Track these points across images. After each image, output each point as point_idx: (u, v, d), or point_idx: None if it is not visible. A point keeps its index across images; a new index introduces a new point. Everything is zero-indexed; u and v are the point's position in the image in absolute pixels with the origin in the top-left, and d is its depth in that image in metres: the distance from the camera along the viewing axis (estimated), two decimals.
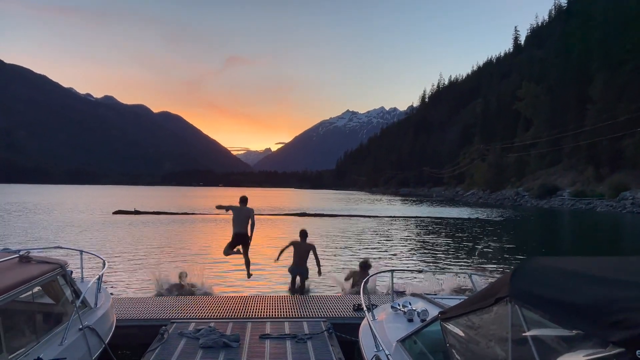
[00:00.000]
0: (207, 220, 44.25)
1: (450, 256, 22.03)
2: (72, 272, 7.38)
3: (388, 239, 30.30)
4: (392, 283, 7.05)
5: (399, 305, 5.68)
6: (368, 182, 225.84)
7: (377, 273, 7.37)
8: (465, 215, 56.12)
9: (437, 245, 26.91)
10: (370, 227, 38.13)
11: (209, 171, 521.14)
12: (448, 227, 40.58)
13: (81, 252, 7.63)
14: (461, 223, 45.27)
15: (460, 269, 17.48)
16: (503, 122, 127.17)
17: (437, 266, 18.67)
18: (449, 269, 18.12)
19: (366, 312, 5.31)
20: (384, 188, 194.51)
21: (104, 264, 7.12)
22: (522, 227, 47.31)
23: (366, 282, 6.37)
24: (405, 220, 47.56)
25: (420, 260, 20.57)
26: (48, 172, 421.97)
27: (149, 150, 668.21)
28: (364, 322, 5.98)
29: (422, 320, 5.08)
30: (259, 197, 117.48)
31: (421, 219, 49.44)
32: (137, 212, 50.58)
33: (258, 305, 9.20)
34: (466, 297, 6.50)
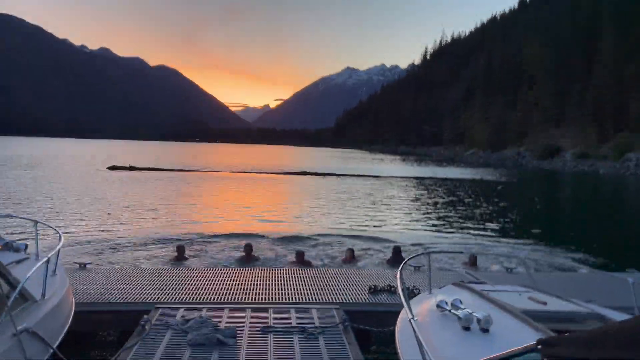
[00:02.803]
0: (205, 178, 42.98)
1: (463, 221, 20.86)
2: (26, 246, 6.11)
3: (393, 201, 29.13)
4: (430, 268, 5.79)
5: (446, 304, 4.42)
6: (367, 140, 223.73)
7: (412, 257, 6.03)
8: (469, 176, 54.94)
9: (445, 208, 25.75)
10: (373, 188, 36.94)
11: (207, 127, 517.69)
12: (453, 188, 39.41)
13: (36, 222, 6.33)
14: (465, 184, 44.11)
15: (488, 240, 16.11)
16: (506, 81, 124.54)
17: (459, 235, 17.41)
18: (472, 238, 16.93)
19: (409, 314, 4.00)
20: (383, 147, 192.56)
21: (60, 239, 5.81)
22: (526, 189, 46.20)
23: (402, 275, 5.11)
24: (409, 180, 46.38)
25: (432, 225, 19.39)
26: (44, 126, 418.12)
27: (147, 104, 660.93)
28: (402, 325, 4.74)
29: (483, 330, 3.84)
30: (258, 155, 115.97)
31: (424, 179, 48.26)
32: (132, 168, 49.26)
33: (259, 283, 7.99)
34: (528, 291, 5.30)
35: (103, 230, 15.40)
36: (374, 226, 18.80)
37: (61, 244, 5.60)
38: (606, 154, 76.38)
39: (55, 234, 6.21)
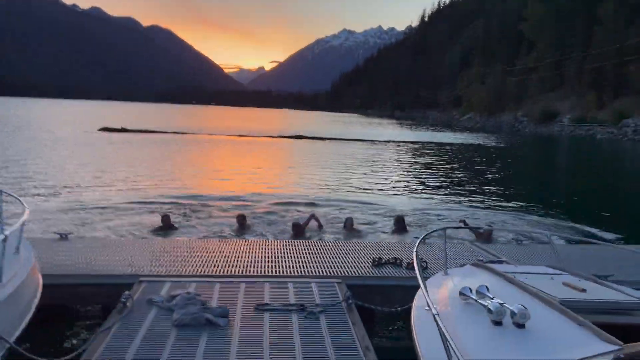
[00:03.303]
0: (199, 141, 42.10)
1: (463, 187, 20.25)
2: None
3: (391, 166, 28.50)
4: (446, 246, 5.17)
5: (470, 291, 3.80)
6: (363, 104, 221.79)
7: (430, 232, 5.37)
8: (467, 140, 54.24)
9: (445, 173, 25.14)
10: (371, 152, 36.25)
11: (202, 89, 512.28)
12: (452, 153, 38.77)
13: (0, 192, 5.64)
14: (464, 149, 43.46)
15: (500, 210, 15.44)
16: (505, 45, 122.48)
17: (460, 201, 16.77)
18: (473, 204, 16.34)
19: (432, 308, 3.32)
20: (379, 111, 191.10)
21: (24, 212, 5.11)
22: (525, 154, 45.63)
23: (418, 256, 4.48)
24: (407, 145, 45.69)
25: (432, 191, 18.78)
26: (35, 87, 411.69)
27: (140, 66, 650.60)
28: (419, 315, 4.14)
29: (518, 326, 3.23)
30: (253, 118, 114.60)
31: (422, 144, 47.56)
32: (124, 130, 48.29)
33: (254, 255, 7.38)
34: (560, 273, 4.68)
35: (89, 196, 14.69)
36: (373, 192, 18.21)
37: (24, 217, 4.90)
38: (604, 119, 75.66)
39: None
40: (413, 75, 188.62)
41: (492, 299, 3.55)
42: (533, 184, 24.65)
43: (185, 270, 6.56)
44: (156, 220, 10.78)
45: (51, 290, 6.05)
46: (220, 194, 16.34)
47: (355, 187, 19.17)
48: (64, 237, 8.14)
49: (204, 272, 6.55)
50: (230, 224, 11.34)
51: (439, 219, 13.63)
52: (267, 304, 5.50)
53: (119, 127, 49.29)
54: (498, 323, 3.29)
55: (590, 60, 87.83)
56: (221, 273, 6.51)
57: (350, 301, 5.54)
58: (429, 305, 3.25)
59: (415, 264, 4.16)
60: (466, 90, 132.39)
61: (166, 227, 10.17)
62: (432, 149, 41.92)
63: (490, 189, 20.03)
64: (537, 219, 14.12)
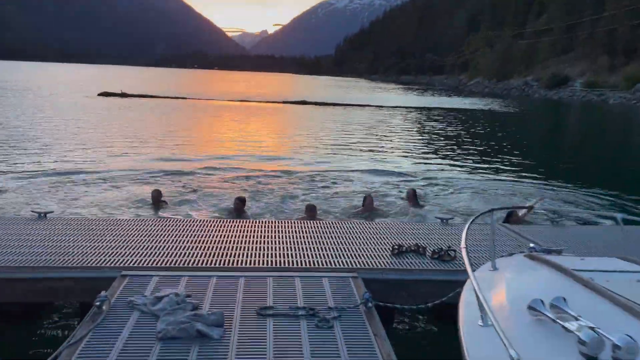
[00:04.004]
0: (200, 107, 40.94)
1: (477, 155, 19.20)
2: None
3: (399, 133, 27.41)
4: (494, 233, 4.20)
5: (542, 305, 2.83)
6: (368, 69, 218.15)
7: (477, 216, 4.37)
8: (477, 106, 52.82)
9: (456, 141, 24.03)
10: (377, 119, 35.08)
11: (204, 53, 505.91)
12: (461, 119, 37.54)
13: None
14: (473, 115, 42.17)
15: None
16: (514, 7, 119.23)
17: (473, 170, 15.71)
18: (487, 174, 15.31)
19: (491, 317, 2.43)
20: (384, 76, 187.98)
21: None
22: (537, 120, 44.32)
23: (467, 253, 3.55)
24: (414, 111, 44.40)
25: (444, 159, 17.74)
26: (38, 50, 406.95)
27: (141, 29, 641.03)
28: (471, 331, 3.20)
29: None
30: (255, 83, 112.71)
31: (430, 109, 46.24)
32: (123, 95, 47.09)
33: (255, 241, 6.46)
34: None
35: (80, 165, 13.77)
36: (382, 161, 17.22)
37: None
38: (616, 84, 73.77)
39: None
40: (419, 40, 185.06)
41: (578, 318, 2.61)
42: (551, 151, 23.60)
43: (176, 261, 5.66)
44: (147, 194, 9.84)
45: (18, 284, 5.23)
46: (220, 164, 15.42)
47: (363, 155, 18.20)
48: (42, 216, 7.26)
49: (198, 262, 5.65)
50: (230, 198, 10.45)
51: (455, 191, 12.70)
52: (270, 307, 4.60)
53: (119, 92, 48.04)
54: (592, 359, 2.35)
55: (603, 23, 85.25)
56: (217, 264, 5.60)
57: (370, 304, 4.63)
58: (493, 326, 2.35)
59: (466, 264, 3.22)
60: (474, 55, 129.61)
61: (157, 204, 9.21)
62: (441, 115, 40.68)
63: (506, 158, 19.02)
64: (560, 191, 13.16)
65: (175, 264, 5.58)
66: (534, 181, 14.57)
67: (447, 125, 32.83)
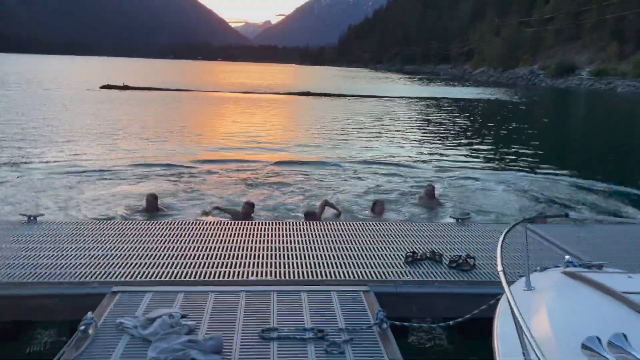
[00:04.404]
0: (203, 99, 40.45)
1: (487, 147, 18.67)
2: None
3: (406, 124, 26.86)
4: (527, 247, 3.72)
5: (599, 343, 2.36)
6: (372, 59, 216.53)
7: (510, 229, 3.86)
8: (484, 96, 52.08)
9: (464, 132, 23.47)
10: (383, 110, 34.51)
11: (207, 44, 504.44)
12: (469, 109, 36.92)
13: None
14: (481, 105, 41.53)
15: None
16: None
17: (490, 165, 15.11)
18: (499, 166, 14.75)
19: (532, 347, 1.97)
20: (389, 65, 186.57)
21: None
22: (545, 110, 43.61)
23: (506, 279, 3.08)
24: (421, 101, 43.76)
25: (456, 152, 17.20)
26: (42, 43, 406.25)
27: (143, 21, 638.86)
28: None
29: None
30: (259, 74, 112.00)
31: (436, 100, 45.57)
32: (126, 87, 46.60)
33: (258, 248, 6.01)
34: None
35: (76, 162, 13.34)
36: (390, 155, 16.69)
37: None
38: (625, 72, 72.70)
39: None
40: (424, 29, 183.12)
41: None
42: (561, 142, 23.03)
43: (172, 273, 5.21)
44: (147, 192, 9.32)
45: (8, 301, 4.83)
46: (222, 158, 14.99)
47: (370, 149, 17.71)
48: (32, 220, 6.83)
49: (196, 274, 5.20)
50: (231, 197, 10.01)
51: (467, 185, 12.20)
52: (274, 329, 4.15)
53: (121, 85, 47.56)
54: None
55: (611, 9, 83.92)
56: (217, 277, 5.16)
57: (385, 325, 4.17)
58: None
59: (508, 297, 2.75)
60: (479, 43, 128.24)
61: (152, 210, 8.64)
62: (447, 105, 40.05)
63: (516, 149, 18.50)
64: (574, 183, 12.64)
65: (171, 277, 5.13)
66: (546, 172, 14.06)
67: (455, 116, 32.24)
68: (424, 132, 23.78)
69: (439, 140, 21.15)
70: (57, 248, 5.81)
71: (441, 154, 17.27)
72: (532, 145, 19.99)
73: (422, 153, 17.50)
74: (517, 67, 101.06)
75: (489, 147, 19.57)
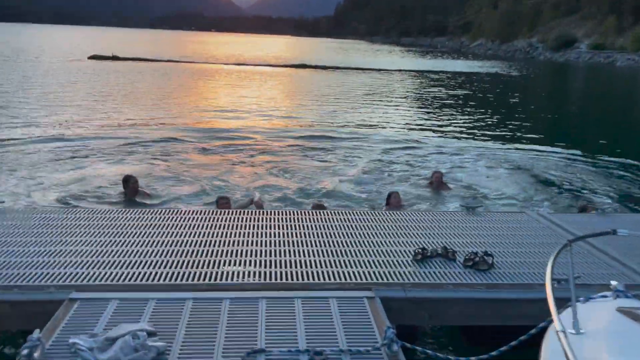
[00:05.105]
0: (195, 71, 39.22)
1: (487, 122, 17.90)
2: None
3: (401, 98, 25.99)
4: (572, 271, 3.01)
5: None
6: (368, 31, 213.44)
7: (557, 254, 3.12)
8: (482, 69, 51.04)
9: (464, 107, 22.65)
10: (381, 83, 33.54)
11: (199, 15, 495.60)
12: (468, 83, 35.99)
13: None
14: (480, 78, 40.57)
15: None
16: None
17: (494, 142, 14.24)
18: (502, 143, 13.96)
19: None
20: (385, 38, 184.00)
21: None
22: (545, 83, 42.74)
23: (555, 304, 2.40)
24: (418, 75, 42.73)
25: (457, 128, 16.42)
26: (30, 12, 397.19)
27: None
28: None
29: None
30: (253, 45, 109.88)
31: (433, 73, 44.55)
32: (115, 58, 45.24)
33: (245, 243, 5.28)
34: None
35: (54, 138, 12.45)
36: (390, 131, 15.87)
37: None
38: (624, 45, 71.62)
39: None
40: (421, 0, 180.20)
41: None
42: (563, 117, 22.26)
43: (144, 274, 4.48)
44: (126, 173, 8.52)
45: None
46: (213, 133, 14.22)
47: (368, 125, 16.91)
48: None
49: (172, 275, 4.47)
50: (220, 178, 9.24)
51: (472, 166, 11.47)
52: (262, 351, 3.45)
53: (110, 55, 46.18)
54: None
55: None
56: (195, 280, 4.43)
57: (396, 347, 3.46)
58: None
59: (565, 349, 2.05)
60: (476, 16, 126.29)
61: (131, 195, 7.81)
62: (445, 79, 39.09)
63: (519, 125, 17.78)
64: (584, 164, 11.96)
65: (141, 279, 4.40)
66: (551, 150, 13.35)
67: (454, 90, 31.37)
68: (422, 107, 22.96)
69: (439, 115, 20.35)
70: (15, 242, 5.06)
71: (443, 131, 16.51)
72: (535, 120, 19.26)
73: (423, 129, 16.73)
74: (515, 40, 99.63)
75: (491, 123, 18.80)
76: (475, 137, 15.42)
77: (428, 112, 21.14)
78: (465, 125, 17.88)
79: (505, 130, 16.98)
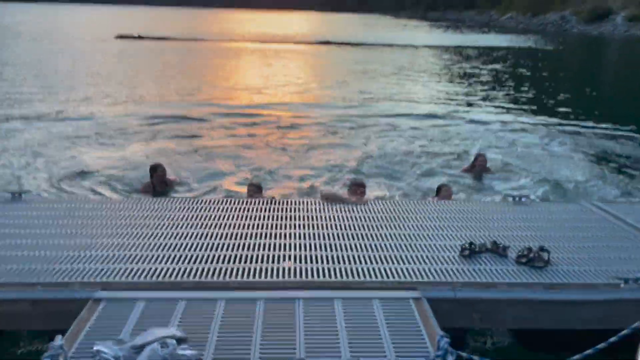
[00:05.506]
0: (219, 49, 38.88)
1: (523, 99, 17.12)
2: None
3: (436, 75, 25.24)
4: None
5: None
6: (393, 5, 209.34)
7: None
8: (515, 44, 49.46)
9: (501, 83, 21.82)
10: (410, 60, 32.71)
11: None
12: (502, 59, 34.85)
13: None
14: (514, 53, 39.29)
15: None
16: None
17: (533, 119, 13.50)
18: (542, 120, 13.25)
19: None
20: (411, 12, 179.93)
21: None
22: (582, 58, 41.17)
23: None
24: (448, 50, 41.60)
25: (496, 106, 15.73)
26: None
27: None
28: None
29: None
30: (277, 22, 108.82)
31: (464, 49, 43.32)
32: (140, 38, 45.15)
33: (276, 231, 4.97)
34: None
35: (80, 122, 12.27)
36: (422, 110, 15.21)
37: None
38: None
39: None
40: None
41: None
42: (608, 93, 21.28)
43: (173, 270, 4.19)
44: (153, 160, 8.26)
45: None
46: (240, 113, 13.90)
47: (400, 102, 16.36)
48: (16, 197, 5.88)
49: (202, 272, 4.17)
50: (251, 163, 8.93)
51: (512, 147, 10.89)
52: None
53: (136, 35, 46.11)
54: None
55: None
56: (227, 277, 4.12)
57: (451, 359, 3.11)
58: None
59: None
60: None
61: (159, 184, 7.51)
62: (477, 54, 37.95)
63: (556, 102, 16.98)
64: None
65: (169, 276, 4.12)
66: (599, 127, 12.63)
67: (485, 66, 30.38)
68: (454, 85, 22.24)
69: (472, 93, 19.64)
70: (38, 235, 4.84)
71: (478, 109, 15.86)
72: (576, 96, 18.46)
73: (456, 108, 16.08)
74: (547, 12, 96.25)
75: (529, 99, 18.05)
76: (515, 115, 14.73)
77: (460, 90, 20.43)
78: (503, 102, 17.16)
79: (545, 107, 16.25)
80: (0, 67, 22.35)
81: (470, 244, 4.60)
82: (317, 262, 4.37)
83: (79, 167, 8.58)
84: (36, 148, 9.58)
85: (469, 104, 16.47)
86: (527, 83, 23.30)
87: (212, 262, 4.33)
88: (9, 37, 42.78)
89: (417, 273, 4.21)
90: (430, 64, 31.28)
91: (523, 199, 5.95)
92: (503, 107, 16.11)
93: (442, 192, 6.87)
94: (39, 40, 41.64)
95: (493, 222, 5.33)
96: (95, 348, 3.15)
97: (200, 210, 5.51)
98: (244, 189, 7.23)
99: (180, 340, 3.24)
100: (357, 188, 6.44)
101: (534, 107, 16.18)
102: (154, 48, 36.90)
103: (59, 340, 3.10)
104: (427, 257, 4.50)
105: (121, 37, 45.46)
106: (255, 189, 6.63)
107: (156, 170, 7.40)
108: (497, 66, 30.56)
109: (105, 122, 12.11)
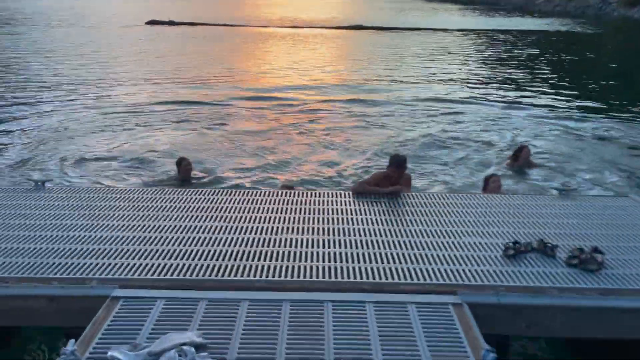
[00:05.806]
0: (250, 35, 38.61)
1: (565, 86, 16.34)
2: None
3: (474, 61, 24.45)
4: None
5: None
6: None
7: None
8: (553, 27, 47.75)
9: (541, 68, 20.93)
10: (445, 45, 31.86)
11: None
12: (541, 43, 33.63)
13: None
14: (554, 38, 37.91)
15: None
16: None
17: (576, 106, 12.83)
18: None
19: None
20: None
21: None
22: (624, 43, 39.44)
23: None
24: (484, 34, 40.41)
25: (536, 91, 15.03)
26: None
27: None
28: None
29: None
30: (307, 6, 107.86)
31: (500, 33, 42.01)
32: (171, 23, 45.15)
33: (303, 225, 4.70)
34: None
35: (108, 110, 12.14)
36: (458, 97, 14.59)
37: None
38: None
39: None
40: None
41: None
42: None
43: (193, 267, 3.96)
44: (180, 151, 8.05)
45: None
46: (268, 100, 13.60)
47: (435, 88, 15.80)
48: (39, 185, 5.75)
49: (224, 268, 3.93)
50: (272, 154, 8.65)
51: (553, 137, 10.34)
52: None
53: (167, 20, 46.15)
54: None
55: None
56: (252, 276, 3.87)
57: None
58: None
59: None
60: None
61: (185, 178, 7.32)
62: (513, 38, 36.74)
63: (601, 88, 16.16)
64: None
65: (190, 273, 3.88)
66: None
67: (523, 50, 29.31)
68: (490, 70, 21.46)
69: (510, 79, 18.89)
70: (58, 226, 4.67)
71: (516, 96, 15.17)
72: (621, 83, 17.52)
73: (493, 95, 15.44)
74: None
75: (572, 86, 17.20)
76: (556, 103, 14.04)
77: (497, 76, 19.69)
78: (543, 90, 16.39)
79: (588, 93, 15.48)
80: (30, 53, 22.56)
81: (515, 242, 4.23)
82: (347, 260, 4.07)
83: (104, 154, 8.46)
84: (62, 133, 9.51)
85: (508, 93, 15.77)
86: (567, 69, 22.36)
87: (235, 259, 4.08)
88: (40, 24, 43.35)
89: (456, 274, 3.88)
90: (465, 48, 30.36)
91: (569, 192, 5.51)
92: (545, 93, 15.40)
93: (490, 184, 6.37)
94: (67, 26, 42.07)
95: (538, 217, 4.94)
96: (109, 354, 2.94)
97: (225, 202, 5.27)
98: (272, 177, 6.96)
99: (199, 347, 3.00)
100: (399, 166, 5.65)
101: (577, 94, 15.42)
102: (184, 33, 36.87)
103: (70, 345, 2.90)
104: (466, 256, 4.16)
105: (152, 22, 45.58)
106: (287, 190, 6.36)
107: (181, 163, 7.25)
108: (536, 50, 29.48)
109: (133, 108, 12.00)
